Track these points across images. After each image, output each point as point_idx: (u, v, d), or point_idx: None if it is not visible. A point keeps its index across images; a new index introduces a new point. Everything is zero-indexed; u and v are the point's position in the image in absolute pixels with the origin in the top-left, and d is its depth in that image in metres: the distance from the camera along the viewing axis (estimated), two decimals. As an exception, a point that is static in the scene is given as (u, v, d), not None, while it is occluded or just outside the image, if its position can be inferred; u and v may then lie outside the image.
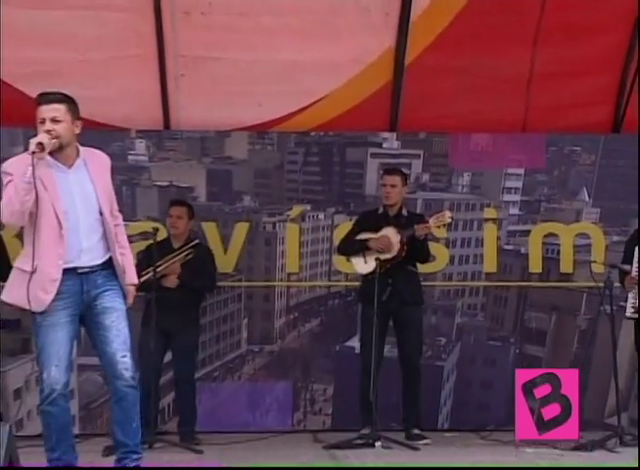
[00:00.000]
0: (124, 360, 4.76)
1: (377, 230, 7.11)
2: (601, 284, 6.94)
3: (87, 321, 4.86)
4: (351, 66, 7.64)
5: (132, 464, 4.80)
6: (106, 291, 4.82)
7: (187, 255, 7.07)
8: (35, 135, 4.70)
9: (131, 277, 5.03)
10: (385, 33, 7.53)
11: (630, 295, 6.87)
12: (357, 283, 7.46)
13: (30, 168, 4.56)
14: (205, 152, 8.08)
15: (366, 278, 7.13)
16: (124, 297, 4.91)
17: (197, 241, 7.26)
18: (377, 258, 6.94)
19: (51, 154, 4.72)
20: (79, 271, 4.78)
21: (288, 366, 8.01)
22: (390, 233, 7.06)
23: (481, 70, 7.56)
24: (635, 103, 7.79)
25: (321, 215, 8.08)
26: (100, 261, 4.83)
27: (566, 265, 8.04)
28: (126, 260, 4.99)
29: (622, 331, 7.19)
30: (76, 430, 7.53)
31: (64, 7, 7.11)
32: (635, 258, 6.85)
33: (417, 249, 7.11)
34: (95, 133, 7.45)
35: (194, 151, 8.09)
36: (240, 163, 8.07)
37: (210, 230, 7.84)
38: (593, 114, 8.00)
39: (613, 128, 8.10)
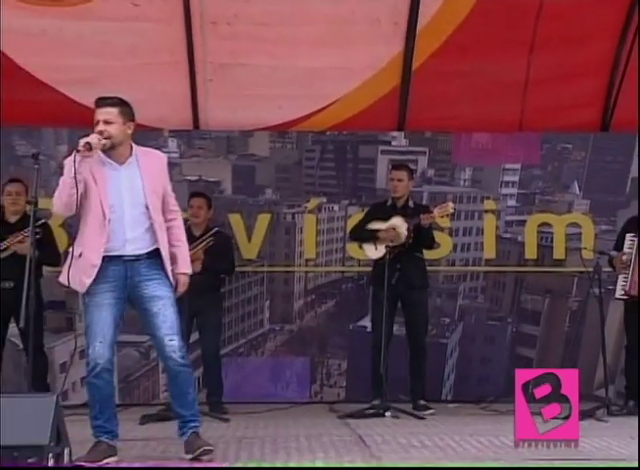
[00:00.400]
0: (172, 343, 4.73)
1: (386, 220, 7.10)
2: (590, 269, 6.92)
3: (138, 309, 4.86)
4: (363, 71, 7.65)
5: (190, 431, 4.80)
6: (150, 279, 4.79)
7: (209, 242, 7.08)
8: (86, 135, 4.71)
9: (183, 267, 4.94)
10: (394, 41, 7.53)
11: (620, 277, 6.87)
12: (369, 268, 7.48)
13: (74, 165, 4.58)
14: (230, 149, 8.11)
15: (376, 263, 7.13)
16: (171, 285, 4.85)
17: (216, 229, 7.24)
18: (387, 245, 6.96)
19: (105, 152, 4.75)
20: (124, 259, 4.77)
21: (306, 343, 8.05)
22: (398, 222, 7.04)
23: (482, 75, 7.56)
24: (621, 104, 7.82)
25: (336, 207, 8.10)
26: (144, 251, 4.80)
27: (558, 252, 8.05)
28: (180, 251, 4.94)
29: (610, 312, 7.19)
30: (116, 400, 7.62)
31: (103, 18, 7.15)
32: (625, 245, 6.88)
33: (423, 236, 7.12)
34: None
35: (221, 149, 8.12)
36: (262, 159, 8.09)
37: (236, 221, 7.88)
38: (583, 114, 8.00)
39: (601, 127, 8.09)
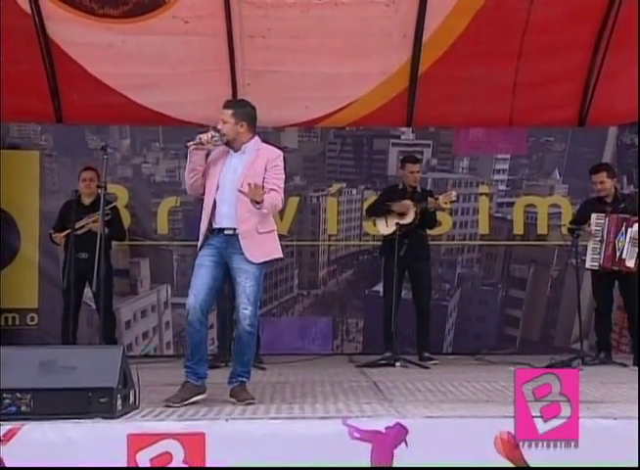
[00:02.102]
0: (244, 312, 4.74)
1: (397, 201, 7.12)
2: (568, 243, 6.95)
3: (231, 277, 4.87)
4: (377, 76, 7.62)
5: (238, 382, 4.83)
6: (240, 253, 4.75)
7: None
8: (206, 131, 4.85)
9: (264, 195, 4.70)
10: (403, 51, 7.51)
11: (589, 250, 6.82)
12: (381, 243, 7.46)
13: (189, 157, 4.81)
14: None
15: (387, 239, 7.15)
16: (252, 263, 4.76)
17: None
18: (397, 223, 6.99)
19: (226, 144, 4.84)
20: (225, 232, 4.79)
21: (329, 305, 8.07)
22: (409, 204, 7.10)
23: (478, 79, 7.51)
24: (595, 103, 7.79)
25: (354, 191, 8.09)
26: (235, 226, 4.78)
27: (542, 228, 8.02)
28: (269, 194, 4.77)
29: (584, 279, 7.17)
30: (171, 352, 7.74)
31: (159, 33, 7.19)
32: (593, 224, 6.83)
33: (427, 218, 7.16)
34: (182, 129, 7.59)
35: (257, 142, 8.13)
36: (292, 151, 8.01)
37: (269, 203, 7.89)
38: (563, 112, 7.94)
39: (578, 123, 8.04)
